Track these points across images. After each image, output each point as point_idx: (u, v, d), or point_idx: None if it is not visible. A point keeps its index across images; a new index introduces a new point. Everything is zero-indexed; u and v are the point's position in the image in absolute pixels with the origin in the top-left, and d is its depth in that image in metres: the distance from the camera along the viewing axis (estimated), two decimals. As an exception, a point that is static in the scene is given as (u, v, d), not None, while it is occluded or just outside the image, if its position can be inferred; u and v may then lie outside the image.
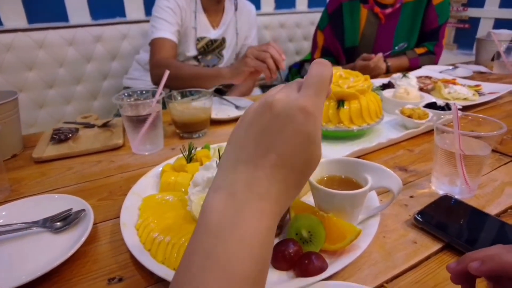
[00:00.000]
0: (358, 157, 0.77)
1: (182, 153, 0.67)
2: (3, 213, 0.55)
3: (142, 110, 0.77)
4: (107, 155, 0.80)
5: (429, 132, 0.89)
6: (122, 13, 1.88)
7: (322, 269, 0.42)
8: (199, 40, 1.42)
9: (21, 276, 0.43)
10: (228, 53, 1.54)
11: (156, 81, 1.31)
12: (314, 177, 0.50)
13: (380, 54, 1.29)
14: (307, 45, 2.42)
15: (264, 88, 1.90)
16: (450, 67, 1.55)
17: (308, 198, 0.58)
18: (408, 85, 1.14)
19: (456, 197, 0.60)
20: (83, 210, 0.54)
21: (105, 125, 0.91)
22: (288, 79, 2.30)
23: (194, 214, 0.51)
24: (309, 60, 2.32)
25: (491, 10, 2.73)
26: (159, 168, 0.67)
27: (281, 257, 0.44)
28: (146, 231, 0.49)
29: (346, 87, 0.80)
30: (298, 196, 0.57)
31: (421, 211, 0.55)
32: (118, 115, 1.49)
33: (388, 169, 0.50)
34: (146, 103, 0.77)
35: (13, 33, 1.50)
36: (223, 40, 1.51)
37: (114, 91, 1.79)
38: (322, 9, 2.60)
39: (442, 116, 0.66)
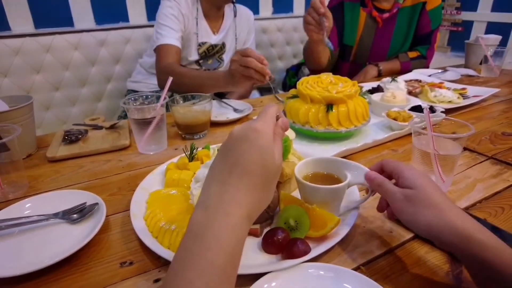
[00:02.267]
0: (345, 156, 0.83)
1: (185, 153, 0.73)
2: (27, 206, 0.62)
3: (147, 113, 0.84)
4: (115, 155, 0.86)
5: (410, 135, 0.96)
6: (126, 18, 1.95)
7: (306, 252, 0.49)
8: (200, 45, 1.49)
9: (44, 260, 0.50)
10: (227, 57, 1.61)
11: (162, 85, 1.38)
12: (300, 174, 0.57)
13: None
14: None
15: (262, 90, 1.97)
16: (440, 71, 1.62)
17: (297, 194, 0.65)
18: (397, 89, 1.21)
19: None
20: (96, 203, 0.61)
21: (112, 127, 0.98)
22: (285, 81, 2.37)
23: (196, 206, 0.57)
24: (305, 62, 2.40)
25: (484, 13, 2.80)
26: (164, 166, 0.73)
27: (271, 242, 0.51)
28: (154, 221, 0.56)
29: (334, 92, 0.87)
30: (289, 191, 0.64)
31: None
32: (122, 117, 1.57)
33: (366, 168, 0.56)
34: (151, 107, 0.84)
35: (22, 38, 1.58)
36: (223, 45, 1.58)
37: (117, 94, 1.86)
38: (319, 13, 2.68)
39: (417, 119, 0.72)
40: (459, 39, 2.97)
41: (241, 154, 0.39)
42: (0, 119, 0.77)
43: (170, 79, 0.86)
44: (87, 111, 1.82)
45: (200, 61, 1.53)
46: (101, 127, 0.98)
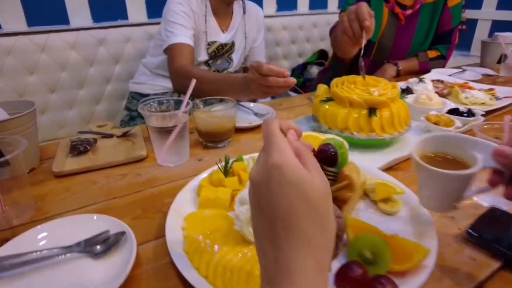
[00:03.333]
0: (391, 167, 0.75)
1: (219, 167, 0.64)
2: (40, 236, 0.52)
3: (169, 121, 0.74)
4: (132, 168, 0.76)
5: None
6: (124, 16, 1.83)
7: (394, 293, 0.40)
8: (210, 44, 1.39)
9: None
10: (237, 57, 1.51)
11: (177, 89, 1.28)
12: (417, 154, 0.47)
13: None
14: (309, 47, 2.41)
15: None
16: (458, 70, 1.56)
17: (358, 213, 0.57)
18: (424, 90, 1.14)
19: (503, 208, 0.59)
20: (123, 232, 0.51)
21: (124, 135, 0.87)
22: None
23: (245, 234, 0.48)
24: (312, 61, 2.31)
25: (488, 11, 2.76)
26: (194, 182, 0.64)
27: (347, 280, 0.42)
28: (197, 253, 0.46)
29: (376, 95, 0.78)
30: (348, 211, 0.55)
31: (473, 226, 0.54)
32: (126, 122, 1.46)
33: (492, 143, 0.45)
34: (173, 114, 0.74)
35: (14, 37, 1.45)
36: (232, 44, 1.48)
37: (118, 96, 1.75)
38: (323, 10, 2.61)
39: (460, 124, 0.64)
40: (463, 38, 2.93)
41: (275, 203, 0.31)
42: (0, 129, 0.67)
43: (194, 81, 0.77)
44: (85, 115, 1.70)
45: (209, 62, 1.43)
46: (111, 135, 0.88)
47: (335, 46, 1.41)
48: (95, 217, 0.54)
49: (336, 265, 0.45)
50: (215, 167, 0.67)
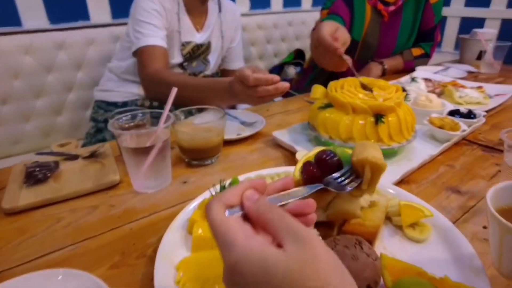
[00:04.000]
0: (403, 180, 0.68)
1: (213, 194, 0.53)
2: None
3: (146, 139, 0.62)
4: (103, 197, 0.64)
5: (459, 143, 0.82)
6: (86, 16, 1.66)
7: None
8: (184, 45, 1.27)
9: None
10: (214, 58, 1.40)
11: (151, 96, 1.15)
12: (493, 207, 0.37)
13: None
14: (285, 47, 2.33)
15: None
16: (441, 68, 1.53)
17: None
18: (417, 90, 1.08)
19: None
20: (100, 293, 0.39)
21: (92, 155, 0.74)
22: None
23: None
24: (289, 61, 2.23)
25: (457, 9, 2.80)
26: (183, 216, 0.52)
27: None
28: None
29: (381, 100, 0.71)
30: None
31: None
32: (92, 134, 1.31)
33: None
34: (151, 131, 0.62)
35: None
36: (208, 45, 1.36)
37: (81, 105, 1.58)
38: (298, 8, 2.54)
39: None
40: (433, 34, 2.97)
41: None
42: None
43: (175, 90, 0.65)
44: (45, 128, 1.52)
45: (184, 64, 1.31)
46: (76, 156, 0.74)
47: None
48: (60, 276, 0.41)
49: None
50: (207, 194, 0.56)
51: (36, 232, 0.55)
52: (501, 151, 0.79)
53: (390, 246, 0.48)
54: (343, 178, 0.41)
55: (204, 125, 0.72)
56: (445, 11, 2.85)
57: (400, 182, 0.67)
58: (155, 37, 1.10)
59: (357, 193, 0.43)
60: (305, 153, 0.49)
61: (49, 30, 1.47)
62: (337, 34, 0.89)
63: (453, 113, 0.89)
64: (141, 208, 0.60)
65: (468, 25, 2.75)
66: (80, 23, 1.63)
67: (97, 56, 1.56)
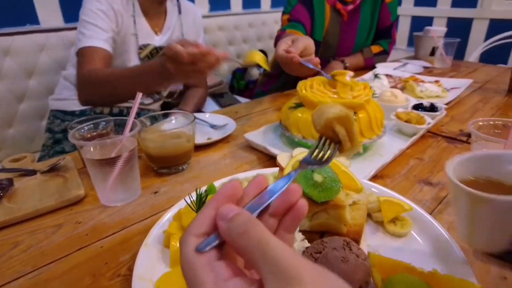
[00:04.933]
0: (377, 175, 0.68)
1: (189, 204, 0.50)
2: None
3: (111, 149, 0.58)
4: (68, 214, 0.58)
5: (424, 136, 0.85)
6: (34, 20, 1.56)
7: None
8: (142, 48, 1.22)
9: None
10: None
11: (85, 100, 1.06)
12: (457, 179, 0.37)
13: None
14: (247, 48, 2.33)
15: (216, 96, 1.75)
16: (400, 64, 1.59)
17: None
18: (381, 86, 1.11)
19: None
20: (71, 323, 0.35)
21: (52, 170, 0.68)
22: (232, 84, 2.18)
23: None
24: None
25: (408, 8, 2.95)
26: (158, 229, 0.49)
27: None
28: None
29: (351, 98, 0.71)
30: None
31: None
32: (49, 146, 1.22)
33: None
34: (116, 140, 0.58)
35: None
36: (169, 48, 1.32)
37: (34, 115, 1.48)
38: (257, 10, 2.55)
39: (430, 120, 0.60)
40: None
41: None
42: None
43: (139, 95, 0.61)
44: (-7, 142, 1.40)
45: None
46: (33, 172, 0.68)
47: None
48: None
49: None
50: (182, 203, 0.53)
51: (-9, 259, 0.49)
52: (463, 141, 0.83)
53: (373, 243, 0.48)
54: (319, 152, 0.37)
55: (173, 131, 0.68)
56: (397, 10, 3.00)
57: (374, 178, 0.68)
58: (97, 39, 1.04)
59: (346, 153, 0.40)
60: (287, 156, 0.47)
61: (-7, 35, 1.35)
62: (293, 45, 0.88)
63: (416, 107, 0.93)
64: (111, 223, 0.56)
65: (419, 23, 2.92)
66: (28, 27, 1.53)
67: (50, 62, 1.46)
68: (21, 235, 0.54)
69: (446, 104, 1.02)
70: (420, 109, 0.92)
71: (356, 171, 0.62)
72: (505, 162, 0.37)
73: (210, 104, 1.64)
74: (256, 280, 0.22)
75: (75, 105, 1.27)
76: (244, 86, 2.12)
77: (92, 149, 0.58)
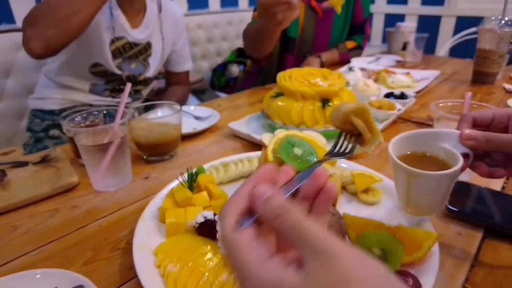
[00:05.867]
0: (354, 156, 0.74)
1: (181, 183, 0.54)
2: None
3: (103, 136, 0.61)
4: (63, 199, 0.61)
5: (395, 121, 0.92)
6: (10, 19, 1.54)
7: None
8: (114, 40, 1.20)
9: None
10: (155, 61, 1.35)
11: (33, 38, 0.99)
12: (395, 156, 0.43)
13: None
14: (226, 46, 2.36)
15: (198, 93, 1.78)
16: (374, 58, 1.68)
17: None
18: (356, 78, 1.18)
19: (465, 180, 0.61)
20: (81, 286, 0.39)
21: (43, 160, 0.70)
22: (213, 81, 2.21)
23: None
24: (232, 60, 2.27)
25: (381, 6, 3.07)
26: (153, 206, 0.53)
27: None
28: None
29: (326, 86, 0.77)
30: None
31: (450, 201, 0.55)
32: (31, 145, 1.22)
33: (454, 130, 0.43)
34: (107, 127, 0.62)
35: None
36: (148, 45, 1.32)
37: (13, 115, 1.46)
38: (235, 8, 2.59)
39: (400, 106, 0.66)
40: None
41: None
42: None
43: (129, 85, 0.65)
44: (-28, 142, 1.38)
45: (122, 64, 1.25)
46: (25, 163, 0.70)
47: (253, 46, 1.39)
48: (38, 275, 0.40)
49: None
50: (172, 184, 0.57)
51: (-8, 242, 0.51)
52: (430, 125, 0.91)
53: (348, 210, 0.53)
54: (341, 146, 0.40)
55: (160, 120, 0.72)
56: (371, 8, 3.11)
57: (350, 158, 0.73)
58: None
59: (368, 145, 0.42)
60: (269, 136, 0.52)
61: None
62: None
63: (388, 95, 1.00)
64: (106, 206, 0.59)
65: (392, 20, 3.03)
66: (4, 26, 1.51)
67: (29, 61, 1.44)
68: (19, 219, 0.56)
69: (416, 92, 1.10)
70: (391, 97, 0.99)
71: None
72: (439, 139, 0.44)
73: (192, 100, 1.68)
74: (294, 259, 0.23)
75: (54, 104, 1.26)
76: (225, 83, 2.15)
77: (85, 136, 0.61)
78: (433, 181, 0.41)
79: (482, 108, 0.64)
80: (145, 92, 1.39)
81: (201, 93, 1.78)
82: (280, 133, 0.53)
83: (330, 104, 0.76)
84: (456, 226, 0.52)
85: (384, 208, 0.54)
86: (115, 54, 1.21)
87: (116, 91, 1.29)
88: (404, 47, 1.77)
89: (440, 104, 0.64)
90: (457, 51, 2.51)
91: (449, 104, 0.64)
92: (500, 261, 0.45)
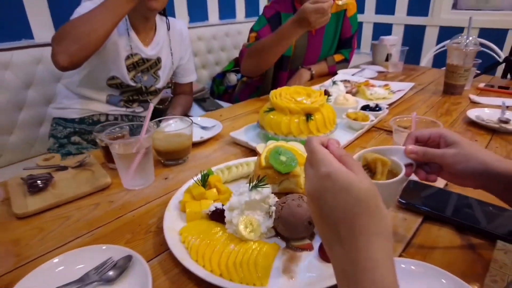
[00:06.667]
0: (330, 160, 0.91)
1: (196, 182, 0.71)
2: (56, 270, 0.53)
3: (132, 146, 0.78)
4: (101, 196, 0.78)
5: (369, 130, 1.10)
6: (29, 35, 1.70)
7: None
8: (129, 57, 1.36)
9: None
10: (164, 74, 1.52)
11: (63, 66, 1.14)
12: None
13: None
14: (224, 56, 2.53)
15: (200, 101, 1.95)
16: (358, 70, 1.85)
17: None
18: (338, 91, 1.35)
19: (415, 179, 0.78)
20: (129, 256, 0.55)
21: (80, 165, 0.87)
22: (213, 89, 2.38)
23: (243, 234, 0.57)
24: (230, 69, 2.44)
25: (370, 16, 3.25)
26: (175, 200, 0.70)
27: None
28: (207, 258, 0.54)
29: (309, 103, 0.94)
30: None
31: (401, 195, 0.72)
32: (54, 150, 1.38)
33: (400, 146, 0.58)
34: (136, 140, 0.78)
35: None
36: (158, 60, 1.49)
37: (34, 123, 1.62)
38: (232, 20, 2.76)
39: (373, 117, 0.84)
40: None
41: (333, 210, 0.36)
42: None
43: (151, 106, 0.81)
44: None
45: (136, 77, 1.42)
46: (65, 167, 0.86)
47: (257, 63, 1.52)
48: (104, 247, 0.57)
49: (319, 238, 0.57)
50: (189, 183, 0.74)
51: (53, 228, 0.68)
52: (398, 133, 1.08)
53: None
54: None
55: (176, 132, 0.89)
56: (361, 17, 3.30)
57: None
58: (86, 7, 1.16)
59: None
60: (263, 146, 0.69)
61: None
62: None
63: (364, 107, 1.17)
64: (136, 201, 0.76)
65: (380, 29, 3.22)
66: (24, 42, 1.67)
67: (47, 74, 1.61)
68: (70, 211, 0.73)
69: (390, 104, 1.28)
70: (367, 109, 1.16)
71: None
72: (391, 154, 0.59)
73: (195, 108, 1.84)
74: None
75: (74, 113, 1.43)
76: (223, 91, 2.32)
77: (118, 146, 0.78)
78: (383, 188, 0.57)
79: (425, 122, 0.82)
80: (155, 101, 1.56)
81: (203, 101, 1.95)
82: (271, 144, 0.70)
83: (312, 118, 0.93)
84: (403, 214, 0.69)
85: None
86: (129, 68, 1.38)
87: (130, 102, 1.46)
88: (387, 59, 1.95)
89: (397, 119, 0.82)
90: (441, 60, 2.70)
91: (404, 119, 0.82)
92: (431, 239, 0.62)
